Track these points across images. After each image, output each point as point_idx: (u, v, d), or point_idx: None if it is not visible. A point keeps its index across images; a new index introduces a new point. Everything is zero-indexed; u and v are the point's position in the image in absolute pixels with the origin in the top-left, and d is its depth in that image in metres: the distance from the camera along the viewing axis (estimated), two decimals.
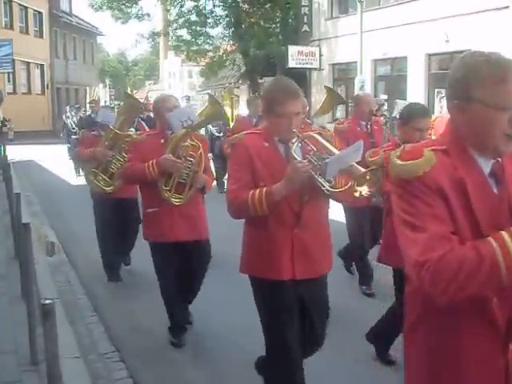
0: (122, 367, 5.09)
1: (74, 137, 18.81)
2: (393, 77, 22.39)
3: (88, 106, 23.69)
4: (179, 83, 55.96)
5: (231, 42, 30.36)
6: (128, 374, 4.97)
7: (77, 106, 24.51)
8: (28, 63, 39.73)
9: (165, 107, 5.43)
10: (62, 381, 3.13)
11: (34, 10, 40.52)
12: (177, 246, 5.43)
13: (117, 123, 7.14)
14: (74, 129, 19.59)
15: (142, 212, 5.72)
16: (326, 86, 6.67)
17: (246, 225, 3.85)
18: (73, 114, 21.81)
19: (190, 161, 5.17)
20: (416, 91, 20.37)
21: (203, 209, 5.71)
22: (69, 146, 25.35)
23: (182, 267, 5.53)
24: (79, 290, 7.16)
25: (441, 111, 19.05)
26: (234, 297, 6.38)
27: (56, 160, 23.33)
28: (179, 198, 5.23)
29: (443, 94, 19.39)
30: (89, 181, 7.39)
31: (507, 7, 16.65)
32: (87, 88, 27.96)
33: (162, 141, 5.37)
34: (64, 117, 24.72)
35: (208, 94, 5.90)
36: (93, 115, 15.79)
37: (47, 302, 3.06)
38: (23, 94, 39.06)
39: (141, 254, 8.34)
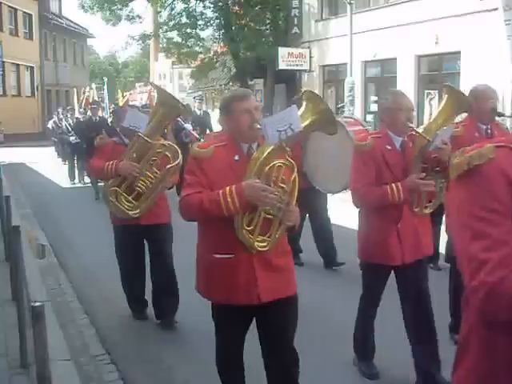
0: (113, 369, 5.11)
1: (72, 138, 17.85)
2: (383, 78, 22.44)
3: (77, 108, 23.15)
4: (170, 85, 55.85)
5: (221, 43, 30.33)
6: (119, 376, 5.00)
7: (69, 107, 23.73)
8: (18, 65, 39.60)
9: (241, 108, 3.70)
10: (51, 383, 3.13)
11: (24, 12, 40.39)
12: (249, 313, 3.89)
13: (147, 129, 5.56)
14: (69, 132, 18.66)
15: (196, 259, 3.94)
16: (446, 86, 5.09)
17: None
18: (68, 116, 21.09)
19: (282, 188, 3.58)
20: (406, 92, 20.35)
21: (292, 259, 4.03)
22: (56, 149, 25.20)
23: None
24: (70, 292, 7.17)
25: (430, 111, 19.17)
26: None
27: (47, 162, 23.29)
28: (265, 242, 3.63)
29: (433, 95, 19.54)
30: (108, 202, 5.69)
31: (496, 9, 16.71)
32: (75, 89, 27.84)
33: (237, 157, 3.71)
34: (55, 119, 24.44)
35: (305, 90, 3.94)
36: (94, 118, 15.57)
37: (37, 304, 3.07)
38: (13, 96, 38.91)
39: None
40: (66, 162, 21.72)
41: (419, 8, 18.99)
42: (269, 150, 3.54)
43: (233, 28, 27.84)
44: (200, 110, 15.62)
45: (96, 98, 23.64)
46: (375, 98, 22.57)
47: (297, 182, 3.64)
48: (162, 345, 5.65)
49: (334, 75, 25.40)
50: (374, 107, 22.49)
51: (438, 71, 19.97)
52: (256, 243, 3.59)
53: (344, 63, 20.73)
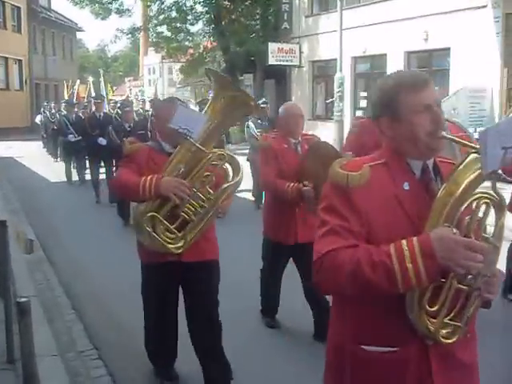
0: (101, 365, 5.09)
1: (71, 136, 16.11)
2: (372, 74, 22.47)
3: (63, 104, 22.11)
4: (159, 80, 55.69)
5: (211, 38, 30.30)
6: (107, 372, 4.97)
7: (76, 102, 20.81)
8: (6, 58, 39.32)
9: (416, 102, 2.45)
10: (38, 379, 3.12)
11: (12, 5, 40.10)
12: None
13: (201, 133, 4.09)
14: (68, 129, 16.45)
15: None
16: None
17: None
18: (63, 110, 19.10)
19: (487, 239, 2.23)
20: None
21: None
22: (45, 146, 24.59)
23: None
24: (58, 287, 7.13)
25: None
26: None
27: (35, 157, 23.18)
28: (451, 328, 2.27)
29: None
30: (143, 232, 4.13)
31: (485, 6, 16.78)
32: (65, 82, 27.73)
33: (407, 186, 2.24)
34: (45, 114, 24.13)
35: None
36: (98, 114, 14.07)
37: (23, 300, 3.05)
38: (1, 89, 38.65)
39: (122, 254, 8.35)
40: (58, 160, 21.43)
41: (409, 4, 19.03)
42: (470, 178, 2.15)
43: (223, 23, 27.81)
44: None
45: (93, 93, 22.84)
46: (365, 94, 22.62)
47: (503, 229, 2.26)
48: None
49: (323, 71, 25.41)
50: (363, 103, 22.53)
51: (427, 68, 19.98)
52: (441, 331, 2.23)
53: (334, 59, 20.71)
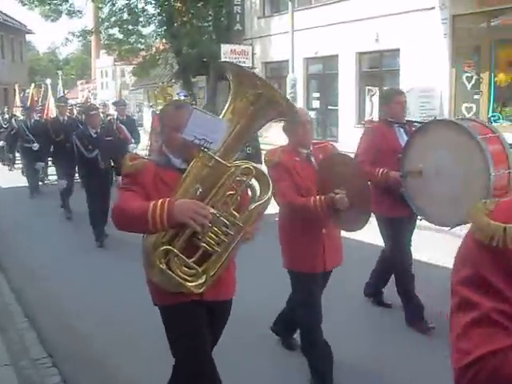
0: (56, 373, 5.04)
1: (35, 145, 14.70)
2: (324, 75, 22.68)
3: (15, 108, 21.35)
4: (112, 82, 55.14)
5: (164, 40, 30.11)
6: (61, 379, 4.93)
7: (27, 107, 18.42)
8: None
9: None
10: None
11: None
12: None
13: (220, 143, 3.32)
14: (27, 135, 15.29)
15: None
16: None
17: None
18: (18, 116, 18.23)
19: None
20: (347, 89, 20.69)
21: None
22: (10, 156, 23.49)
23: None
24: (9, 295, 7.02)
25: (371, 107, 19.45)
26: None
27: None
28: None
29: (373, 92, 19.81)
30: (155, 269, 3.31)
31: (433, 8, 17.08)
32: (16, 86, 27.18)
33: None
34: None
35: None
36: (61, 118, 12.85)
37: None
38: None
39: (74, 260, 8.26)
40: (12, 168, 21.05)
41: (360, 6, 19.26)
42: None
43: (175, 24, 27.66)
44: (122, 116, 13.82)
45: (51, 96, 21.98)
46: (317, 95, 22.80)
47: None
48: (106, 345, 5.59)
49: (276, 72, 25.52)
50: (315, 104, 22.71)
51: (378, 68, 20.29)
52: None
53: (286, 60, 20.82)
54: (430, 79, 16.71)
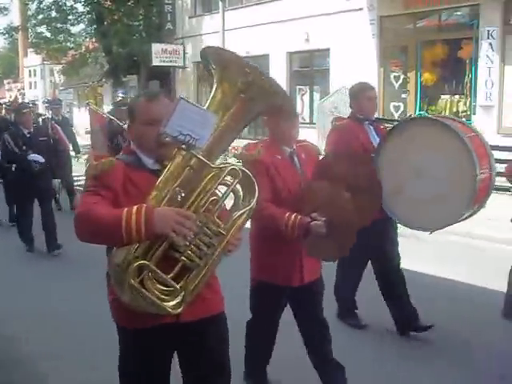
0: None
1: None
2: None
3: None
4: (41, 82, 53.99)
5: (93, 39, 29.70)
6: None
7: None
8: None
9: None
10: None
11: None
12: None
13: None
14: None
15: None
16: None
17: None
18: None
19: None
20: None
21: None
22: None
23: None
24: None
25: (302, 106, 19.67)
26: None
27: None
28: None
29: (304, 91, 20.08)
30: (126, 288, 2.75)
31: (361, 9, 17.41)
32: None
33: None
34: None
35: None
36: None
37: None
38: None
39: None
40: None
41: (290, 6, 19.45)
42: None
43: (105, 23, 27.32)
44: (58, 116, 12.83)
45: None
46: None
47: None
48: (34, 350, 5.49)
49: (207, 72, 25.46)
50: None
51: (308, 67, 20.52)
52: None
53: None
54: (359, 78, 16.77)
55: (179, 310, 2.78)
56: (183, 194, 2.75)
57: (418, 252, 7.92)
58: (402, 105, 16.98)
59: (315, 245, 3.90)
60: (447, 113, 15.85)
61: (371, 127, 5.51)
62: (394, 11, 16.73)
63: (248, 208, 2.87)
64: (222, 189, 2.79)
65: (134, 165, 2.95)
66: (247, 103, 2.89)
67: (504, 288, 6.01)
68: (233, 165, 2.87)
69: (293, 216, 3.85)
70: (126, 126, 9.73)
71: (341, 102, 16.38)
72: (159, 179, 2.79)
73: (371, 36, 17.30)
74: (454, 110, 15.83)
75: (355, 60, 17.15)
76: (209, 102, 2.91)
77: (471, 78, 15.32)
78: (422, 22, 16.61)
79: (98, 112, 11.57)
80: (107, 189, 2.84)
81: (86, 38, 30.61)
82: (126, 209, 2.61)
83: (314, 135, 16.23)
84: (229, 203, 2.85)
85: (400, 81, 17.01)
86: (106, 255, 2.88)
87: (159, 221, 2.56)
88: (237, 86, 2.86)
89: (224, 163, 2.88)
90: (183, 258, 2.73)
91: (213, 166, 2.77)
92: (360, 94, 5.52)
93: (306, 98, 20.32)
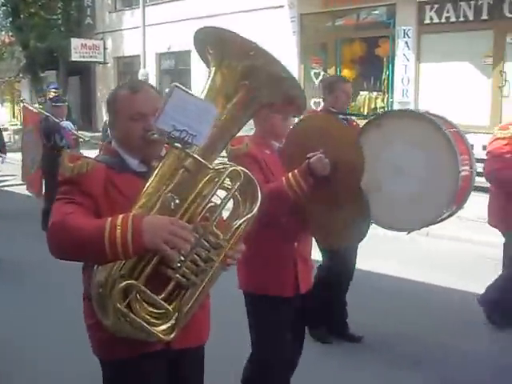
0: None
1: None
2: (177, 70, 22.66)
3: None
4: None
5: (9, 33, 28.83)
6: None
7: None
8: None
9: None
10: None
11: None
12: None
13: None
14: None
15: None
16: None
17: None
18: None
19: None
20: (200, 84, 20.76)
21: None
22: None
23: None
24: None
25: None
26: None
27: None
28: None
29: None
30: (108, 311, 2.32)
31: (282, 6, 17.60)
32: None
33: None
34: None
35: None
36: None
37: None
38: None
39: None
40: None
41: (211, 2, 19.44)
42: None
43: (21, 16, 26.56)
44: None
45: None
46: None
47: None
48: None
49: (128, 67, 25.17)
50: None
51: None
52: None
53: (138, 55, 20.65)
54: None
55: (172, 335, 2.38)
56: (177, 201, 2.31)
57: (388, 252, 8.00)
58: (322, 101, 17.22)
59: (321, 221, 3.49)
60: (365, 109, 16.26)
61: (345, 122, 5.14)
62: (314, 9, 16.97)
63: (250, 216, 2.47)
64: (218, 193, 2.44)
65: (116, 167, 2.53)
66: (251, 92, 2.46)
67: (473, 289, 6.04)
68: (233, 165, 2.46)
69: (289, 174, 3.39)
70: (63, 124, 9.36)
71: None
72: (147, 183, 2.38)
73: (292, 33, 17.51)
74: (373, 106, 16.24)
75: (276, 56, 17.26)
76: (206, 91, 2.47)
77: (388, 75, 15.75)
78: (341, 20, 16.94)
79: (31, 109, 11.19)
80: (86, 195, 2.40)
81: (1, 31, 29.67)
82: (109, 218, 2.17)
83: None
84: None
85: (320, 77, 17.25)
86: (82, 273, 2.56)
87: (149, 232, 2.11)
88: (239, 72, 2.43)
89: (222, 163, 2.49)
90: (177, 275, 2.32)
91: (211, 167, 2.36)
92: (336, 85, 5.28)
93: None
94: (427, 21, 14.86)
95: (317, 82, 17.34)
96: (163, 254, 2.18)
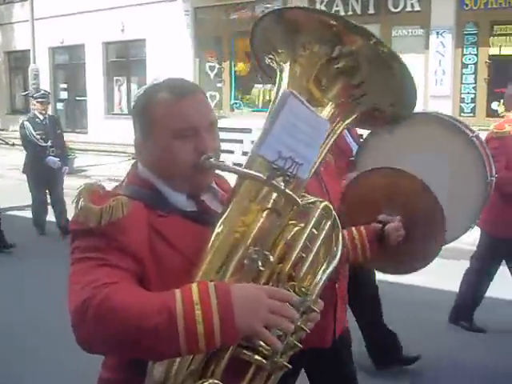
0: None
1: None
2: (71, 65, 22.18)
3: None
4: None
5: None
6: None
7: None
8: None
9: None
10: None
11: None
12: None
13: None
14: None
15: None
16: None
17: None
18: None
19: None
20: (95, 79, 20.46)
21: None
22: None
23: None
24: None
25: (120, 98, 19.49)
26: None
27: None
28: None
29: (121, 82, 19.93)
30: None
31: (176, 0, 17.60)
32: None
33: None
34: None
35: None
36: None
37: None
38: None
39: None
40: None
41: None
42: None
43: None
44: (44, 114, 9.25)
45: None
46: (65, 86, 22.30)
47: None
48: None
49: (20, 62, 24.36)
50: (64, 95, 22.22)
51: (125, 58, 20.33)
52: None
53: (29, 49, 20.06)
54: (175, 69, 17.13)
55: None
56: (271, 258, 1.62)
57: None
58: (217, 94, 17.41)
59: (387, 256, 2.69)
60: (260, 101, 16.55)
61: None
62: (208, 2, 17.04)
63: (334, 263, 1.80)
64: None
65: (158, 206, 1.74)
66: (350, 90, 1.87)
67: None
68: (320, 200, 1.83)
69: (354, 230, 2.65)
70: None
71: None
72: (216, 232, 1.66)
73: (186, 26, 17.52)
74: (267, 98, 16.53)
75: (171, 50, 17.28)
76: (277, 88, 1.91)
77: None
78: (236, 14, 17.09)
79: None
80: (126, 253, 1.60)
81: None
82: (176, 291, 1.45)
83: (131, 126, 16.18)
84: None
85: (215, 71, 17.42)
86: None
87: (243, 312, 1.43)
88: (327, 61, 1.83)
89: (309, 198, 1.83)
90: (257, 357, 1.58)
91: (301, 203, 1.71)
92: None
93: (124, 88, 20.15)
94: None
95: (212, 75, 17.49)
96: (261, 340, 1.52)
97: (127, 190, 1.76)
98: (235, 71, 17.05)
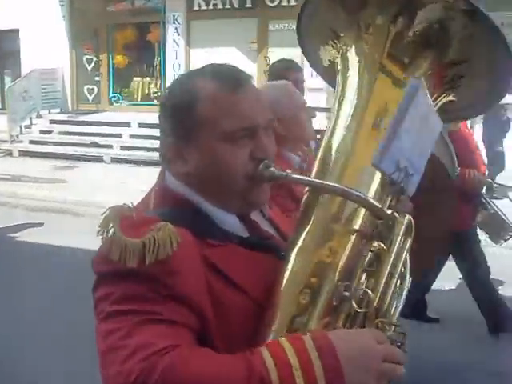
0: None
1: None
2: (3, 52, 21.04)
3: None
4: None
5: None
6: None
7: None
8: None
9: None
10: None
11: None
12: None
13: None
14: None
15: None
16: None
17: None
18: None
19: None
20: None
21: None
22: None
23: None
24: None
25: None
26: None
27: None
28: None
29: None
30: None
31: None
32: None
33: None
34: None
35: None
36: None
37: None
38: None
39: None
40: None
41: None
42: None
43: None
44: None
45: None
46: None
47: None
48: None
49: None
50: None
51: None
52: None
53: None
54: (51, 61, 16.72)
55: None
56: (371, 295, 1.29)
57: None
58: (95, 87, 17.16)
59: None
60: (139, 94, 16.52)
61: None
62: None
63: (407, 286, 1.43)
64: None
65: (208, 233, 1.37)
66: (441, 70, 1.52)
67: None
68: (402, 213, 1.39)
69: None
70: None
71: (32, 85, 16.16)
72: (290, 266, 1.36)
73: (62, 18, 17.10)
74: (146, 91, 16.51)
75: (47, 42, 16.77)
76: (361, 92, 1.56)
77: (160, 61, 16.03)
78: (113, 6, 16.85)
79: None
80: (183, 303, 1.23)
81: None
82: (264, 350, 1.17)
83: (4, 121, 15.72)
84: None
85: (93, 63, 17.13)
86: None
87: (355, 372, 1.16)
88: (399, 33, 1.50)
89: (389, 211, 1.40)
90: None
91: (390, 216, 1.35)
92: (286, 74, 4.00)
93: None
94: (196, 7, 15.32)
95: (89, 68, 17.24)
96: None
97: (164, 213, 1.33)
98: (113, 64, 16.83)
